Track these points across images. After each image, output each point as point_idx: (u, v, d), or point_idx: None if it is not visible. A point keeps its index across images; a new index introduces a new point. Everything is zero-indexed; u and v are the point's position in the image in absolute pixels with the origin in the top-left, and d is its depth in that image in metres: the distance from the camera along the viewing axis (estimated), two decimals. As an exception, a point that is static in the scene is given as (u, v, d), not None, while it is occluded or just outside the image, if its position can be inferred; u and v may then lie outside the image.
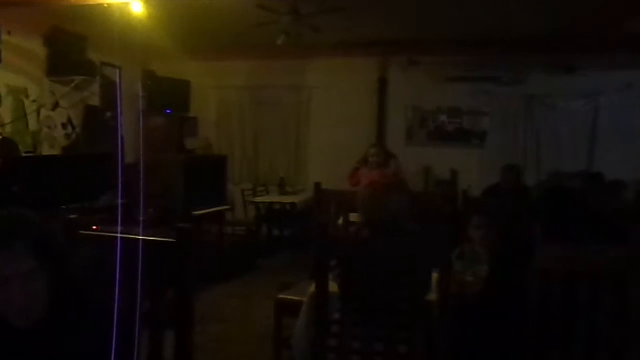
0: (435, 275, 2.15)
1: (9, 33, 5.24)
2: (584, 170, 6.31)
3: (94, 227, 3.48)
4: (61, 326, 1.23)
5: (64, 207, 4.10)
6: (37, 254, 1.19)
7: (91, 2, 4.01)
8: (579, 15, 5.22)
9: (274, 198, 6.95)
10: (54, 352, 1.23)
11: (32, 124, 5.70)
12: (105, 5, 4.05)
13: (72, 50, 5.81)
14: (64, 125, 6.09)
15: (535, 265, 1.92)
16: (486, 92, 6.81)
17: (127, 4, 4.13)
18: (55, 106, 5.91)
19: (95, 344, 1.22)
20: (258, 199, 6.89)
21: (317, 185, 4.18)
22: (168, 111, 6.88)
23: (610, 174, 4.91)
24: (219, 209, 6.17)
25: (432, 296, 2.11)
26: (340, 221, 3.91)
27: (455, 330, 2.06)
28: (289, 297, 3.24)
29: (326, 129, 7.32)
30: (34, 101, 5.71)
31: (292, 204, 6.59)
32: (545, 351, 1.91)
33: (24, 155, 5.19)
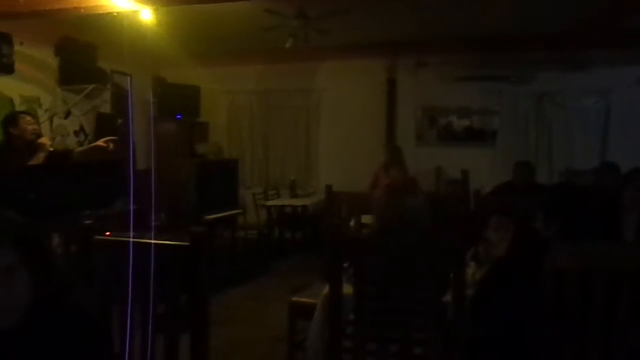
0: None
1: (21, 44, 5.31)
2: (597, 167, 6.24)
3: (107, 233, 3.51)
4: (41, 327, 1.21)
5: (79, 213, 4.14)
6: (17, 252, 1.18)
7: (101, 11, 4.04)
8: (587, 11, 5.17)
9: (285, 201, 6.97)
10: (34, 354, 1.22)
11: (45, 133, 5.76)
12: (115, 14, 4.08)
13: (82, 59, 5.87)
14: (76, 133, 6.15)
15: (550, 264, 1.91)
16: (496, 91, 6.78)
17: (136, 11, 4.15)
18: (68, 114, 5.98)
19: (78, 348, 1.21)
20: (269, 202, 6.91)
21: (328, 187, 4.17)
22: (178, 117, 6.93)
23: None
24: (230, 212, 6.20)
25: (448, 297, 2.10)
26: (352, 223, 3.90)
27: (470, 331, 2.05)
28: (302, 300, 3.24)
29: (336, 130, 7.33)
30: (47, 110, 5.78)
31: (304, 207, 6.60)
32: (561, 350, 1.90)
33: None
